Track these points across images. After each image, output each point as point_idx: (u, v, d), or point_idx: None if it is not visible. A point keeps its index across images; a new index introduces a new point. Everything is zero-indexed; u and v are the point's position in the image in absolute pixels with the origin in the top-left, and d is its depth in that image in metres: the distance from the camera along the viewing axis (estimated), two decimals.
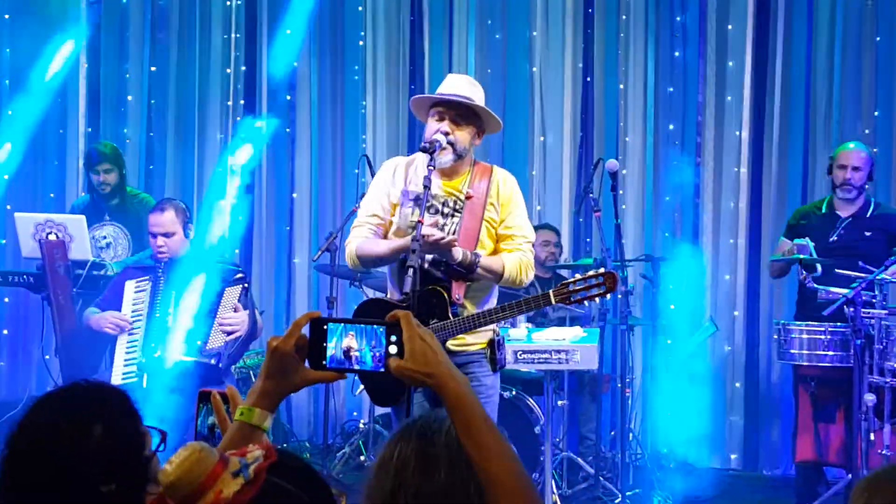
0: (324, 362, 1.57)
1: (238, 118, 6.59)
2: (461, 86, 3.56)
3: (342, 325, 1.56)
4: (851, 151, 4.93)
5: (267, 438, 1.59)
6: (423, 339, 1.51)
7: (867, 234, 4.89)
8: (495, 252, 3.53)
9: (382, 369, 1.53)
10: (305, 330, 1.59)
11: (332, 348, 1.56)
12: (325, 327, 1.57)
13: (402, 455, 1.56)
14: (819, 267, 4.65)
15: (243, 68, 6.69)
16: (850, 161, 4.89)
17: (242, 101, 6.66)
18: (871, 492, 1.51)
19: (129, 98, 6.78)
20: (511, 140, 6.47)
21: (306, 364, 1.60)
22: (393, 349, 1.52)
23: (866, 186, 4.96)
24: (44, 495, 1.54)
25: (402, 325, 1.52)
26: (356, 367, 1.56)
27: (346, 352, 1.55)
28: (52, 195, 6.79)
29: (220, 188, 6.18)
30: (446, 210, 3.51)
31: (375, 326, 1.54)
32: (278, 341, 1.60)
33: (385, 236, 3.58)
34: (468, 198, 3.50)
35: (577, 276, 3.43)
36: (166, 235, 4.51)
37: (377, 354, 1.54)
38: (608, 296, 3.43)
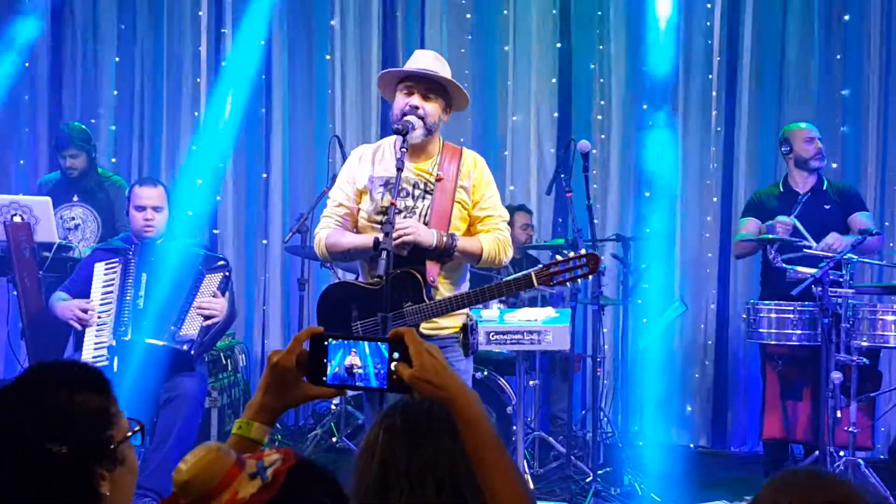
0: (324, 378, 1.55)
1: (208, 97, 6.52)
2: (428, 60, 3.53)
3: (344, 341, 1.54)
4: (807, 128, 5.15)
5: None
6: (431, 353, 1.50)
7: (826, 206, 5.02)
8: (469, 234, 3.51)
9: (386, 386, 1.52)
10: (306, 344, 1.57)
11: (335, 365, 1.54)
12: (326, 343, 1.55)
13: (389, 434, 1.58)
14: (811, 243, 4.71)
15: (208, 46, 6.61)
16: (813, 133, 5.10)
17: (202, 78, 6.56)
18: (778, 492, 1.52)
19: (97, 80, 6.68)
20: (484, 120, 6.45)
21: (305, 379, 1.58)
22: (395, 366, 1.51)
23: None
24: None
25: (406, 340, 1.51)
26: (359, 384, 1.54)
27: (349, 369, 1.53)
28: (21, 162, 6.68)
29: (194, 169, 6.14)
30: (417, 192, 3.47)
31: (378, 343, 1.53)
32: (279, 356, 1.57)
33: (355, 224, 3.55)
34: (438, 179, 3.47)
35: (559, 257, 3.38)
36: (156, 209, 4.46)
37: (381, 371, 1.52)
38: (590, 277, 3.41)
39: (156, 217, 4.46)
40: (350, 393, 5.73)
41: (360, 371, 1.53)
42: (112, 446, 1.53)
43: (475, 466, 1.48)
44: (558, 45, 6.40)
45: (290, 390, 1.58)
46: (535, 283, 3.33)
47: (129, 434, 1.60)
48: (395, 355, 1.51)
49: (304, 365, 1.56)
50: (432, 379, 1.47)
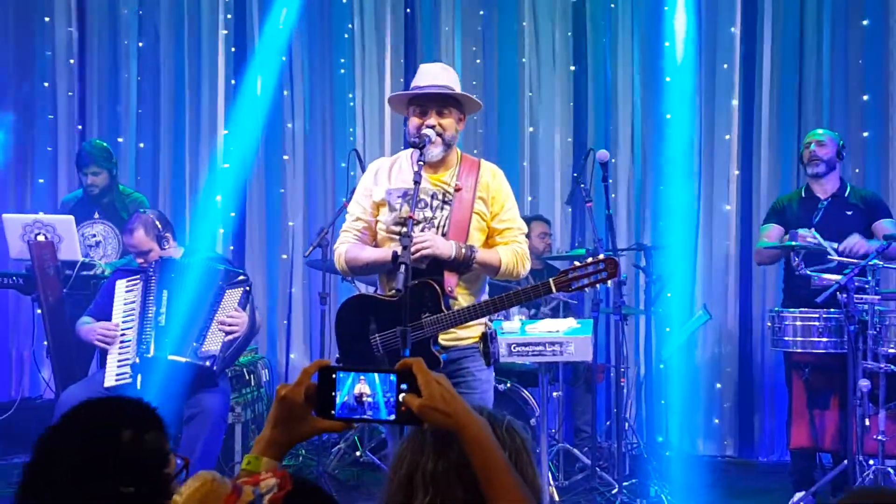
0: (332, 411, 1.54)
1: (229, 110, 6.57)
2: (435, 74, 3.51)
3: (352, 373, 1.54)
4: (813, 135, 5.12)
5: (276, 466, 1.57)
6: (439, 382, 1.51)
7: (848, 213, 4.96)
8: (487, 246, 3.50)
9: (395, 416, 1.52)
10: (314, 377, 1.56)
11: (343, 396, 1.53)
12: (334, 376, 1.54)
13: (419, 443, 1.60)
14: (832, 254, 4.65)
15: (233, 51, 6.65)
16: (812, 138, 5.06)
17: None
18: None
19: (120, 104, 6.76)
20: (502, 131, 6.45)
21: (314, 413, 1.57)
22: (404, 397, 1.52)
23: (836, 166, 5.03)
24: (65, 492, 1.52)
25: (414, 370, 1.51)
26: (369, 412, 1.53)
27: (359, 398, 1.53)
28: (41, 181, 6.74)
29: (214, 184, 6.18)
30: (435, 203, 3.46)
31: (387, 374, 1.52)
32: (287, 389, 1.56)
33: (374, 237, 3.55)
34: (457, 189, 3.46)
35: (577, 262, 3.37)
36: (141, 254, 4.51)
37: (390, 400, 1.52)
38: (609, 282, 3.37)
39: (149, 257, 4.51)
40: None
41: (370, 400, 1.53)
42: (169, 484, 1.55)
43: (485, 491, 1.48)
44: (572, 67, 6.41)
45: (299, 424, 1.57)
46: (554, 290, 3.31)
47: (177, 472, 1.62)
48: (404, 387, 1.51)
49: (313, 398, 1.55)
50: (441, 407, 1.48)
